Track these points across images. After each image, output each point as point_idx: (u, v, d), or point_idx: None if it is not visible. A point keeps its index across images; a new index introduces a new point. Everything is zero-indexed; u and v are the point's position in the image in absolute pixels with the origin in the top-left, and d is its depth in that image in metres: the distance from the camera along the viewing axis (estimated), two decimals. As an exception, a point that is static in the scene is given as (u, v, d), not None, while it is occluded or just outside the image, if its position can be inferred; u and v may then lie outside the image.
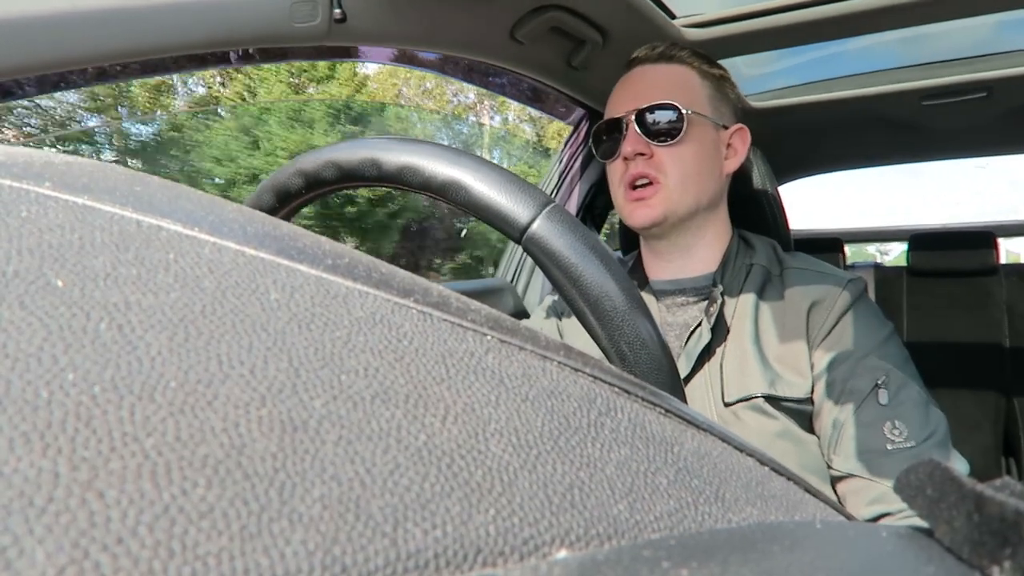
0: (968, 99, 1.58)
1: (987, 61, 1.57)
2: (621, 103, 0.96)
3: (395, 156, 0.43)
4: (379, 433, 0.14)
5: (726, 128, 0.98)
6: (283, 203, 0.49)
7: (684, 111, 0.91)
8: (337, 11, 0.89)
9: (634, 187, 0.93)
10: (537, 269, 1.59)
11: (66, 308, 0.14)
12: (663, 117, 0.91)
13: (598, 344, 0.41)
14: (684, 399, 0.42)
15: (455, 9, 1.03)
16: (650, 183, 0.92)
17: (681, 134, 0.91)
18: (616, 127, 0.95)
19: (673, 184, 0.91)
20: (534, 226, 0.40)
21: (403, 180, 0.43)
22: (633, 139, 0.92)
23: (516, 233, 0.41)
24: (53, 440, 0.12)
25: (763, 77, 1.72)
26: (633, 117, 0.92)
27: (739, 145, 0.99)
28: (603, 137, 0.98)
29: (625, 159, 0.93)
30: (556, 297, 1.09)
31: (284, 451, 0.13)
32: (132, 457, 0.12)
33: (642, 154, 0.92)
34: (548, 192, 1.65)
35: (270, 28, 0.84)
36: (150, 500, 0.11)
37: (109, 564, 0.10)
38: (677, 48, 0.98)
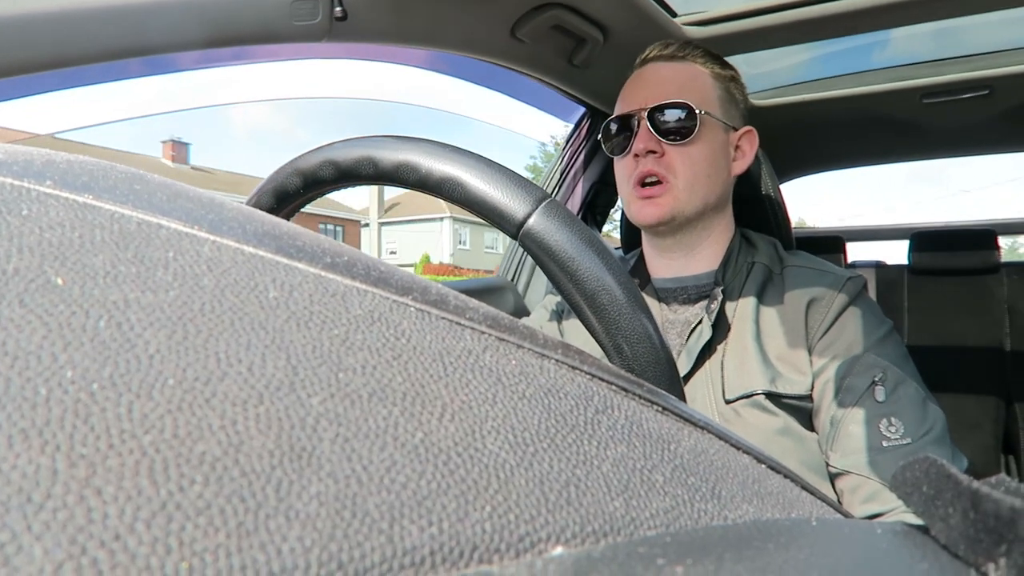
0: (969, 97, 1.58)
1: (988, 59, 1.56)
2: (633, 99, 0.96)
3: (392, 154, 0.43)
4: (376, 431, 0.15)
5: (735, 130, 0.98)
6: (282, 203, 0.49)
7: (697, 111, 0.91)
8: (338, 9, 0.89)
9: (643, 184, 0.93)
10: (538, 267, 1.59)
11: (65, 306, 0.14)
12: (676, 116, 0.91)
13: (596, 339, 0.41)
14: (683, 394, 0.42)
15: (456, 7, 1.03)
16: (659, 182, 0.92)
17: (693, 134, 0.91)
18: (627, 123, 0.95)
19: (682, 184, 0.91)
20: (530, 221, 0.40)
21: (400, 178, 0.43)
22: (645, 136, 0.92)
23: (512, 229, 0.41)
24: (51, 437, 0.12)
25: (764, 75, 1.72)
26: (646, 114, 0.92)
27: (747, 148, 0.99)
28: (613, 133, 0.97)
29: (636, 156, 0.93)
30: (557, 297, 1.09)
31: (281, 448, 0.13)
32: (130, 454, 0.12)
33: (653, 152, 0.92)
34: (550, 190, 1.65)
35: (270, 26, 0.84)
36: (147, 497, 0.11)
37: (106, 560, 0.11)
38: (690, 47, 0.98)
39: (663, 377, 0.40)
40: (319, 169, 0.46)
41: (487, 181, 0.41)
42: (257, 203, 0.50)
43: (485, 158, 0.42)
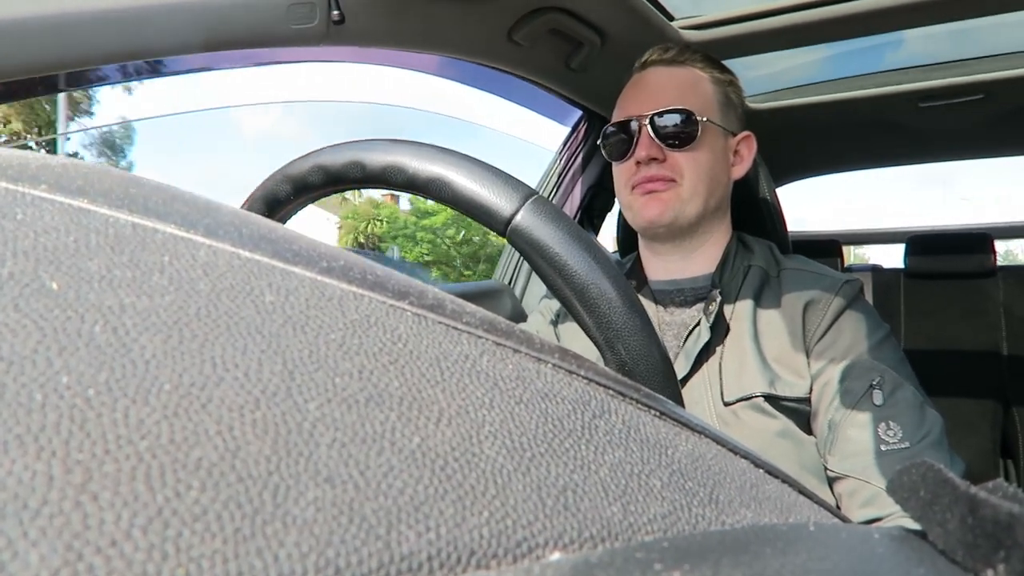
0: (965, 101, 1.58)
1: (984, 63, 1.57)
2: (633, 104, 0.95)
3: (379, 156, 0.43)
4: (373, 436, 0.15)
5: (734, 135, 0.98)
6: (273, 210, 0.49)
7: (699, 117, 0.91)
8: (335, 12, 0.89)
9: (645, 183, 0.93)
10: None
11: (61, 311, 0.14)
12: (678, 122, 0.91)
13: (588, 335, 0.41)
14: (678, 391, 0.42)
15: (453, 11, 1.03)
16: (663, 180, 0.92)
17: (695, 140, 0.91)
18: (627, 129, 0.94)
19: (685, 187, 0.92)
20: (517, 218, 0.40)
21: (388, 180, 0.43)
22: (647, 143, 0.92)
23: (500, 226, 0.41)
24: (47, 443, 0.12)
25: (760, 79, 1.72)
26: (647, 120, 0.92)
27: (745, 152, 1.00)
28: (612, 138, 0.97)
29: (638, 163, 0.93)
30: (554, 301, 1.09)
31: (278, 454, 0.13)
32: (126, 460, 0.12)
33: (656, 159, 0.92)
34: (547, 194, 1.65)
35: (267, 30, 0.84)
36: (144, 503, 0.11)
37: (103, 566, 0.10)
38: (689, 52, 0.98)
39: (658, 372, 0.40)
40: (308, 175, 0.47)
41: (474, 179, 0.41)
42: (248, 210, 0.50)
43: (471, 157, 0.42)
